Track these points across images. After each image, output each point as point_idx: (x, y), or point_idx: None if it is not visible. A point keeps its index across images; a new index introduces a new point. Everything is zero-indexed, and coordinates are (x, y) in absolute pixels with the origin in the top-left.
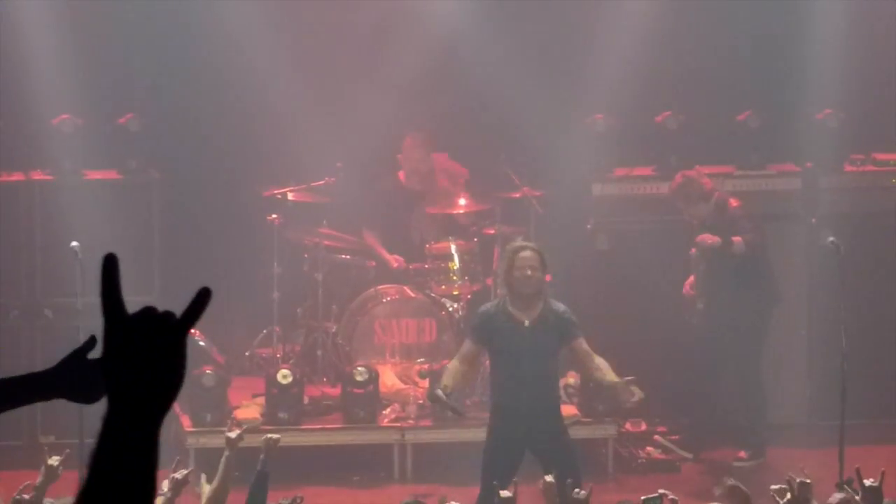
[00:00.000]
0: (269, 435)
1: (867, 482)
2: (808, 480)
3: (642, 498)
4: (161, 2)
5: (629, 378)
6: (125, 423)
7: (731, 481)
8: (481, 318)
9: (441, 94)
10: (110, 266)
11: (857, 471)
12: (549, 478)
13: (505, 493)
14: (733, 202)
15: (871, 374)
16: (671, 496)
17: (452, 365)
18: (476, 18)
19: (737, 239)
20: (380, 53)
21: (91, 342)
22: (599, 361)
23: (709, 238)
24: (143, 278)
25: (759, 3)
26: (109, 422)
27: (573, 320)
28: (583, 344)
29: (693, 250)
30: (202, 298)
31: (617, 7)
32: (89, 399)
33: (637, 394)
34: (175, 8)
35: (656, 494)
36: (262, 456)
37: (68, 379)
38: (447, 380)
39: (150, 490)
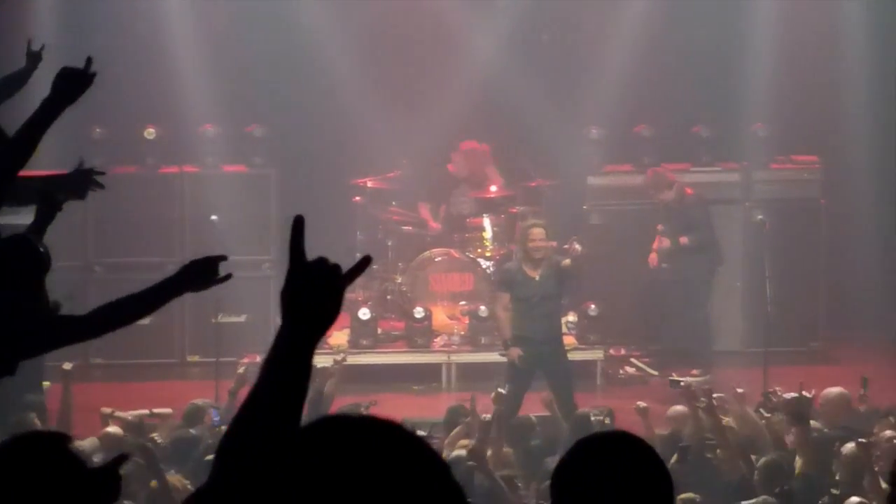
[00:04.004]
0: (324, 365)
1: (787, 395)
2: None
3: (670, 378)
4: (274, 37)
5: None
6: (292, 338)
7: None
8: (505, 274)
9: (480, 110)
10: (298, 224)
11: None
12: (546, 394)
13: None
14: (689, 190)
15: (787, 315)
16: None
17: (501, 317)
18: (507, 54)
19: (683, 239)
20: (433, 78)
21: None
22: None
23: (665, 242)
24: (262, 244)
25: (708, 36)
26: (281, 336)
27: (567, 268)
28: (564, 261)
29: (660, 226)
30: (364, 262)
31: (604, 45)
32: (204, 286)
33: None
34: (284, 41)
35: (682, 379)
36: (317, 378)
37: (191, 275)
38: (505, 333)
39: (304, 388)
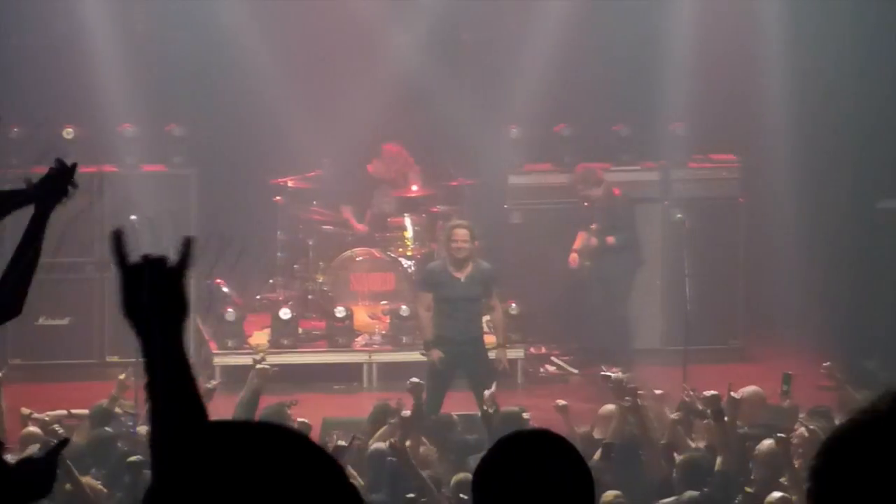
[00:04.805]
0: (264, 366)
1: (707, 393)
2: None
3: (602, 373)
4: (194, 36)
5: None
6: (152, 343)
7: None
8: (429, 274)
9: (400, 109)
10: (117, 236)
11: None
12: (488, 392)
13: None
14: (616, 191)
15: (706, 313)
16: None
17: (423, 316)
18: (428, 53)
19: (610, 239)
20: (354, 78)
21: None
22: (495, 319)
23: (592, 241)
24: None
25: (627, 35)
26: (143, 346)
27: (493, 277)
28: (493, 299)
29: (594, 225)
30: (187, 244)
31: (524, 45)
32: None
33: (502, 364)
34: (204, 40)
35: (613, 374)
36: (256, 379)
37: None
38: (427, 333)
39: (189, 378)
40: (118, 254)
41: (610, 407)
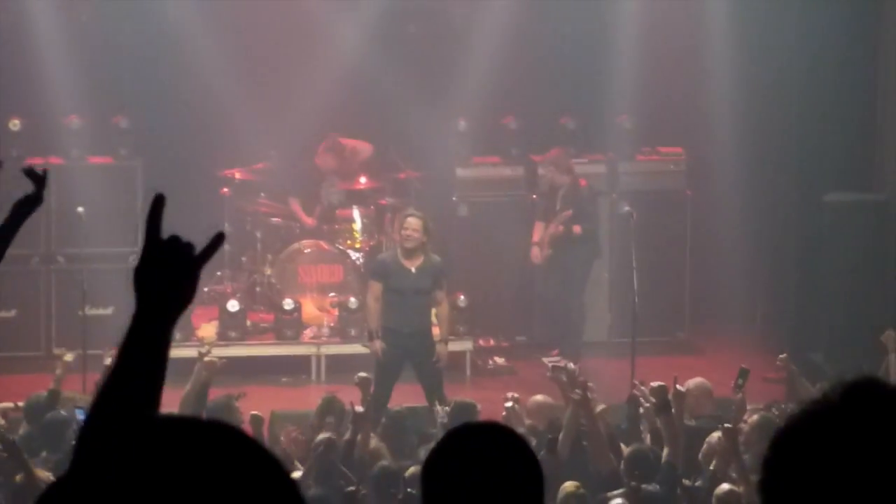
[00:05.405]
0: (212, 359)
1: (654, 384)
2: (683, 389)
3: (553, 364)
4: (140, 27)
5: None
6: (147, 318)
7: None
8: (379, 265)
9: (348, 101)
10: (158, 203)
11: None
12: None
13: None
14: (583, 181)
15: (653, 305)
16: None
17: (372, 306)
18: (375, 45)
19: (577, 228)
20: (301, 70)
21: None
22: (441, 313)
23: (556, 230)
24: (129, 236)
25: (574, 27)
26: (136, 316)
27: (443, 271)
28: (439, 294)
29: (568, 212)
30: (218, 239)
31: (471, 37)
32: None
33: (443, 360)
34: (150, 31)
35: (567, 365)
36: (204, 371)
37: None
38: (373, 323)
39: (161, 370)
40: (154, 222)
41: (538, 398)
